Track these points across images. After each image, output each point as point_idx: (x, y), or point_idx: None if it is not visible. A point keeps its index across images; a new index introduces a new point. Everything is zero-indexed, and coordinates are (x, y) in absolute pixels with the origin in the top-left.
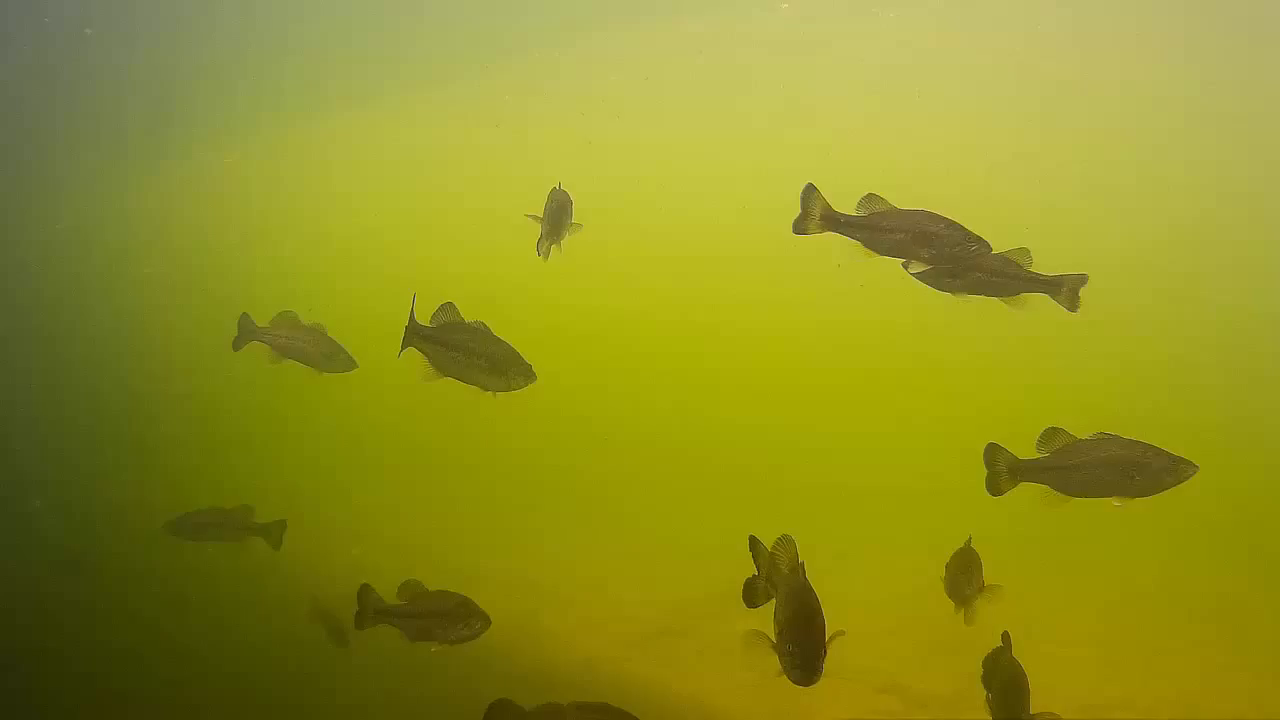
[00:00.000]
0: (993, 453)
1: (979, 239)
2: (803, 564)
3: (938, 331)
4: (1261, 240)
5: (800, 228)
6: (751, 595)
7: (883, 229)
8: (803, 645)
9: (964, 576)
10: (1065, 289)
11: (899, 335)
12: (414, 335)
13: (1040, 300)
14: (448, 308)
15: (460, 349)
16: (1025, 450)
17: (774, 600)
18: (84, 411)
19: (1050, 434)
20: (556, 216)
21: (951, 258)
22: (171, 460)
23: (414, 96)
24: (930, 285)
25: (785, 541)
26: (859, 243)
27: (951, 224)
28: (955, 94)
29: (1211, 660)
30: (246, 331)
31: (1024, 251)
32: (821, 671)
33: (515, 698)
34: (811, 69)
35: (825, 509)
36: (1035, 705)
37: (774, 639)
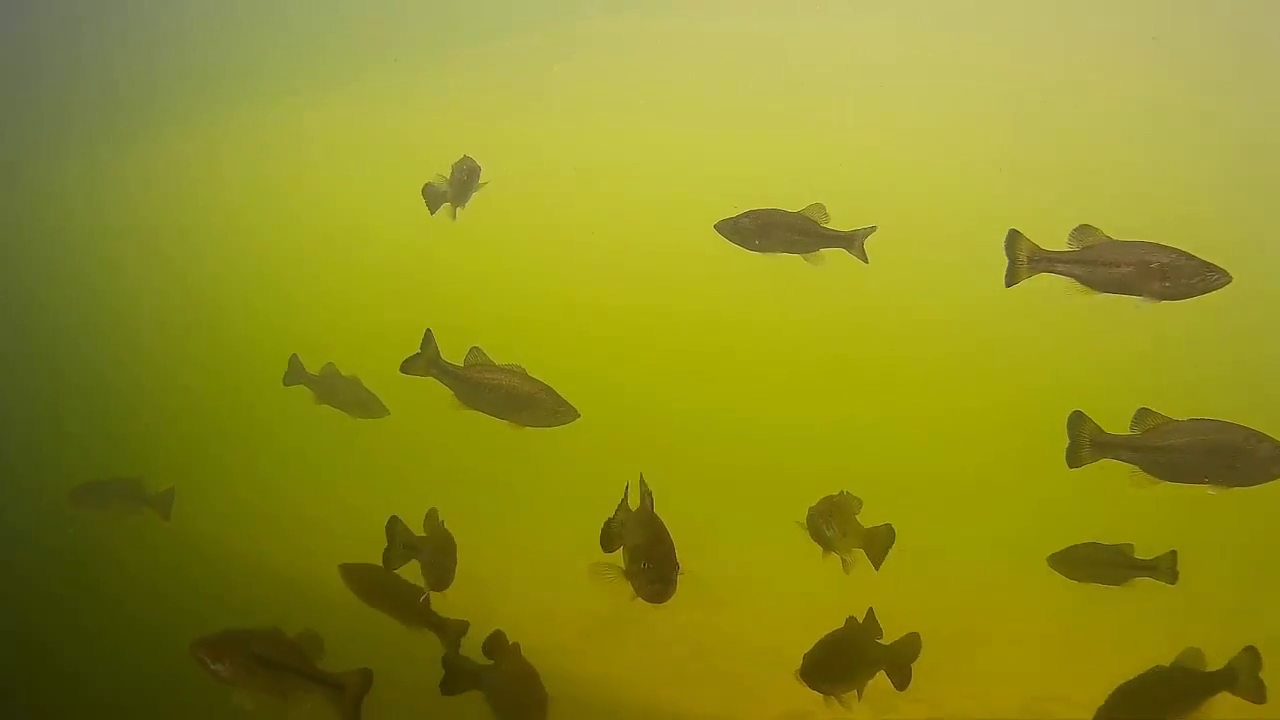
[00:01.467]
0: (1077, 422)
1: (1218, 268)
2: (650, 495)
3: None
4: (1245, 237)
5: (1012, 279)
6: (608, 539)
7: (1103, 264)
8: (655, 560)
9: (824, 520)
10: (856, 243)
11: (873, 327)
12: (433, 368)
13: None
14: (475, 351)
15: (489, 387)
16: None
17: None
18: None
19: (1143, 414)
20: (465, 182)
21: (1188, 289)
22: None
23: (397, 82)
24: (736, 243)
25: (638, 483)
26: (1074, 280)
27: (1182, 253)
28: (929, 94)
29: (1156, 653)
30: (295, 372)
31: (819, 208)
32: (675, 584)
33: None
34: (775, 66)
35: (784, 498)
36: (979, 695)
37: (625, 566)
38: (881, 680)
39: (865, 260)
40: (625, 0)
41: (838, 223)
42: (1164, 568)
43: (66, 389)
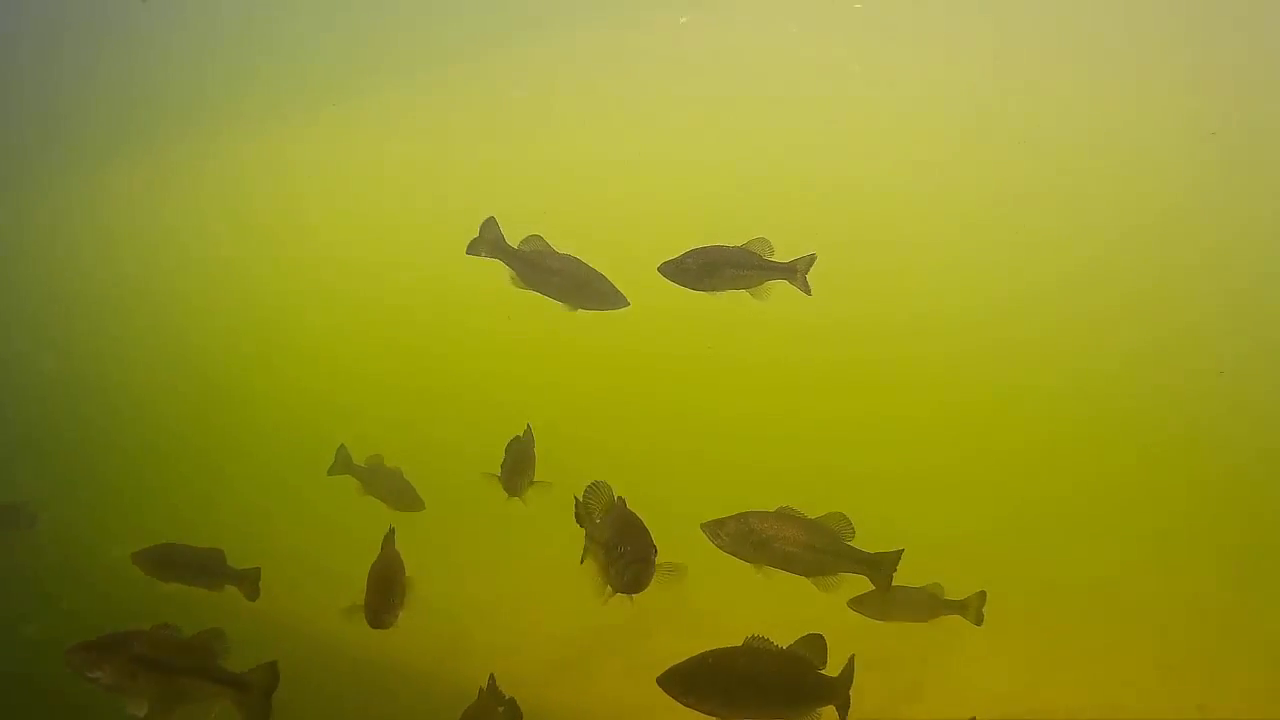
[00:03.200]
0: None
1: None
2: (622, 500)
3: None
4: (1224, 242)
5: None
6: (580, 518)
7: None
8: (634, 543)
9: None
10: (799, 274)
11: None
12: (496, 250)
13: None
14: (535, 239)
15: (549, 270)
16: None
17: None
18: None
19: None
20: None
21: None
22: None
23: (375, 102)
24: (682, 285)
25: (596, 488)
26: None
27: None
28: (882, 106)
29: (1132, 661)
30: (342, 463)
31: (763, 241)
32: (653, 566)
33: None
34: (721, 85)
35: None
36: (960, 707)
37: (601, 562)
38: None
39: (808, 292)
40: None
41: (791, 250)
42: (973, 608)
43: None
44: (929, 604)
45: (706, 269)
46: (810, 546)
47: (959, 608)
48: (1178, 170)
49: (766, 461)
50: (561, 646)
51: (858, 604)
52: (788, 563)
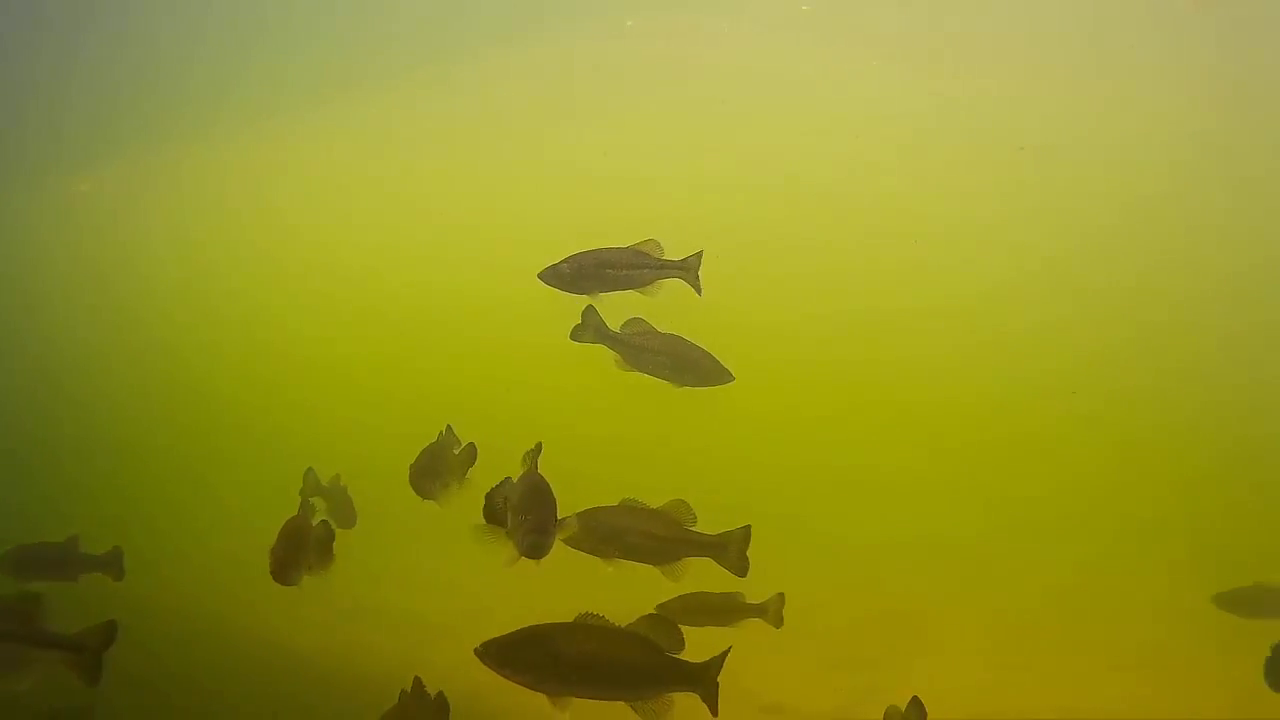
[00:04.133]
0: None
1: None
2: (535, 458)
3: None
4: (1190, 243)
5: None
6: (490, 510)
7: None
8: (535, 512)
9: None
10: (690, 270)
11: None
12: (601, 335)
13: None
14: (636, 320)
15: (654, 350)
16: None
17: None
18: None
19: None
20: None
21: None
22: None
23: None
24: (561, 290)
25: (524, 457)
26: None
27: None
28: (830, 108)
29: (1091, 665)
30: (311, 485)
31: (654, 243)
32: (553, 537)
33: None
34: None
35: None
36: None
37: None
38: None
39: (699, 289)
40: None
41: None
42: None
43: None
44: (728, 608)
45: (586, 271)
46: (654, 535)
47: (758, 610)
48: (1145, 170)
49: (734, 457)
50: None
51: (663, 608)
52: (635, 553)
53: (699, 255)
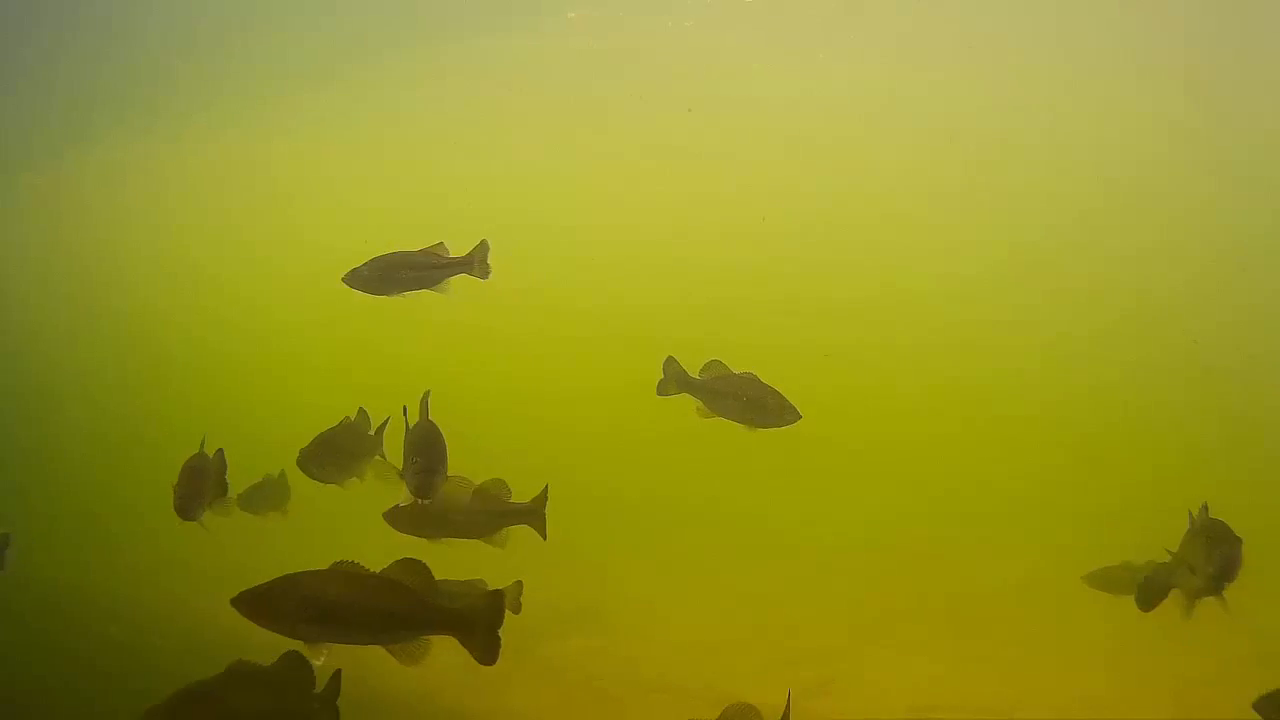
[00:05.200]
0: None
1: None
2: (425, 406)
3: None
4: (1159, 236)
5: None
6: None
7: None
8: (425, 455)
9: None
10: (477, 262)
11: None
12: (683, 385)
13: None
14: (715, 364)
15: (730, 395)
16: None
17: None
18: None
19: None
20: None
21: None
22: None
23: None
24: (362, 291)
25: (420, 404)
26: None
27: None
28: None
29: (1041, 659)
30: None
31: (440, 245)
32: (441, 478)
33: None
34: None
35: (653, 527)
36: (870, 707)
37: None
38: None
39: (486, 276)
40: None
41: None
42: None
43: None
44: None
45: (383, 274)
46: (476, 511)
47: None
48: (1106, 167)
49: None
50: None
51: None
52: (462, 530)
53: (484, 246)
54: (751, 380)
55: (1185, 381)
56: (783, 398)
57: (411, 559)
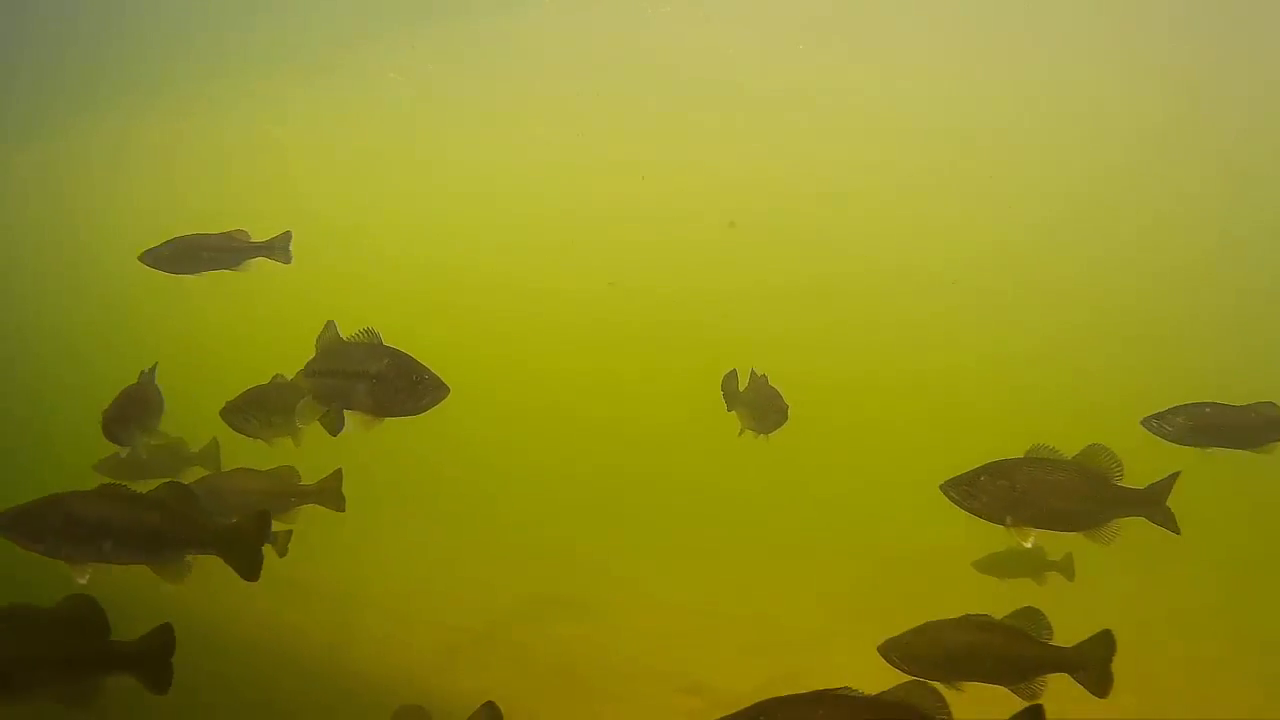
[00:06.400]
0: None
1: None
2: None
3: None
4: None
5: None
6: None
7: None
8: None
9: None
10: (278, 248)
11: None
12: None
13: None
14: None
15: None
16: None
17: None
18: None
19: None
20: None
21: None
22: None
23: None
24: (161, 270)
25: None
26: None
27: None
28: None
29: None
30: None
31: (243, 232)
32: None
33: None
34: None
35: (630, 514)
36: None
37: None
38: None
39: (288, 261)
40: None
41: None
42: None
43: None
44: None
45: (182, 254)
46: (268, 493)
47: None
48: (1097, 157)
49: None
50: (452, 634)
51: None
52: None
53: (286, 235)
54: (765, 386)
55: (1164, 375)
56: (779, 403)
57: (175, 482)
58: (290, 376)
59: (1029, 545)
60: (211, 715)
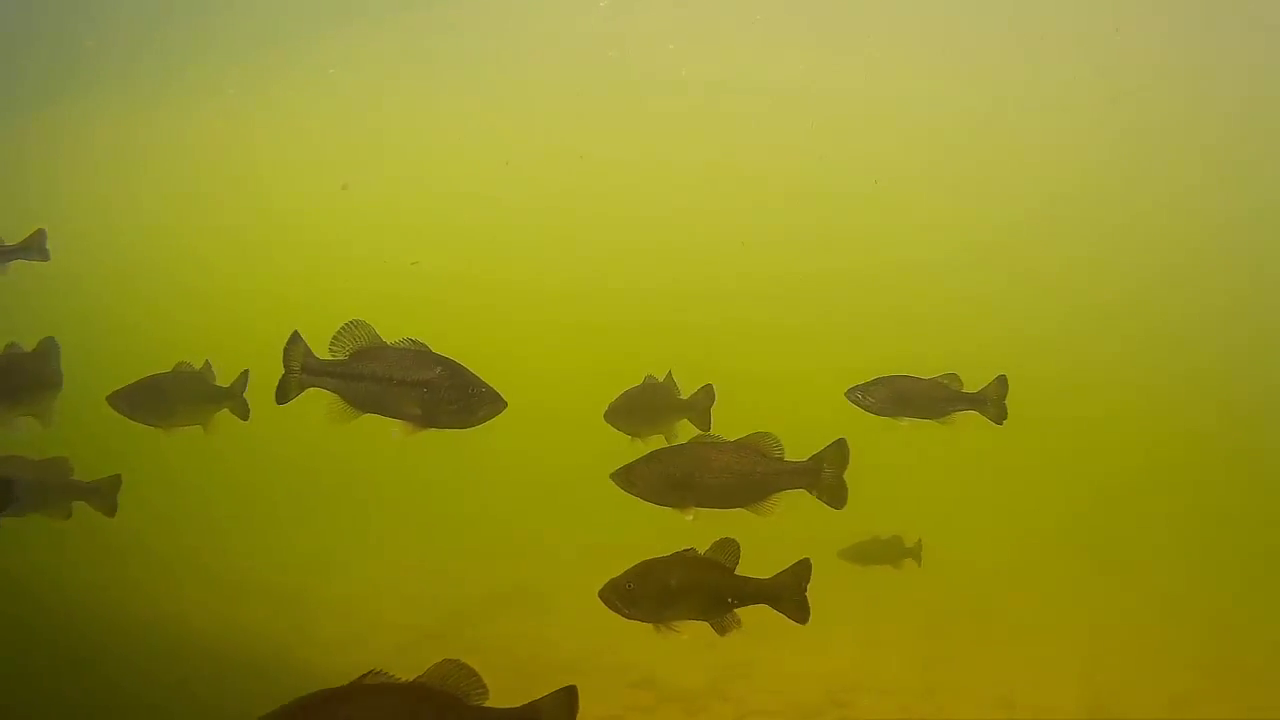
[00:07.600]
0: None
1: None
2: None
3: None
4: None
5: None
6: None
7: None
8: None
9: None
10: (35, 249)
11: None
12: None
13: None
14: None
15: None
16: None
17: None
18: None
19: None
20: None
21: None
22: None
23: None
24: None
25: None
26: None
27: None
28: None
29: (955, 644)
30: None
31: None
32: None
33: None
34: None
35: (588, 511)
36: (789, 688)
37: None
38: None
39: (46, 259)
40: None
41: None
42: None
43: None
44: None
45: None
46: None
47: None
48: (1088, 154)
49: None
50: (404, 633)
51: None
52: (36, 505)
53: (41, 233)
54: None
55: (1163, 372)
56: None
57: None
58: (197, 367)
59: (690, 519)
60: (166, 716)
